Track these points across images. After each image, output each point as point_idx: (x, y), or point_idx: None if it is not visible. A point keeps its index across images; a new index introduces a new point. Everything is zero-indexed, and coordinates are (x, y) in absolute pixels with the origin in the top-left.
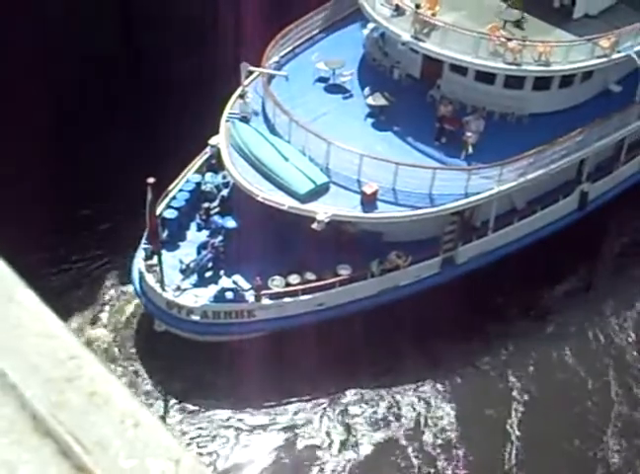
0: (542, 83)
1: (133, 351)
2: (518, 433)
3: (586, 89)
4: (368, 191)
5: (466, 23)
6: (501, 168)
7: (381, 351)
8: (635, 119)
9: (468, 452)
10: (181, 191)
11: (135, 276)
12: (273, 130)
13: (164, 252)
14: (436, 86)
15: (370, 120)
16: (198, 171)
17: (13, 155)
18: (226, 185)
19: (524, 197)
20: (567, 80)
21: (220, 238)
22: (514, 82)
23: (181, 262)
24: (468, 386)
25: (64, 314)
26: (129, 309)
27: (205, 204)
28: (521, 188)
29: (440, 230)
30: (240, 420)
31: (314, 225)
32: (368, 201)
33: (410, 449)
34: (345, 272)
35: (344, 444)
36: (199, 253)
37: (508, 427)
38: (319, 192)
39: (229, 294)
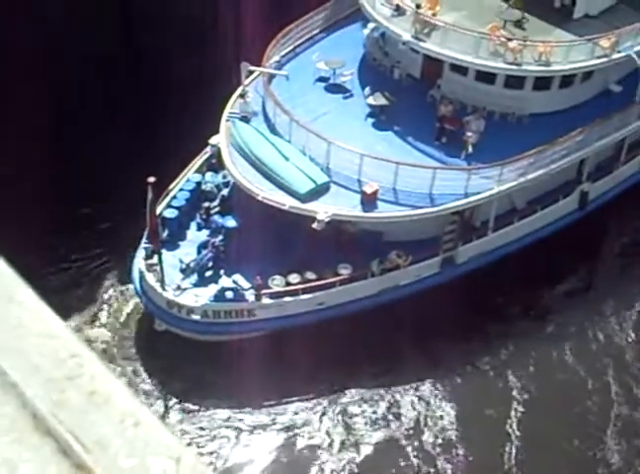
0: (543, 83)
1: (133, 350)
2: (517, 432)
3: (586, 89)
4: (369, 190)
5: (467, 23)
6: (501, 168)
7: (381, 350)
8: (635, 119)
9: (468, 452)
10: (181, 190)
11: (136, 275)
12: (273, 130)
13: (164, 251)
14: (436, 86)
15: (371, 120)
16: (198, 170)
17: (13, 155)
18: (226, 184)
19: (525, 196)
20: (567, 80)
21: (221, 237)
22: (514, 82)
23: (181, 261)
24: (468, 386)
25: (64, 314)
26: (130, 309)
27: (206, 204)
28: (522, 187)
29: (440, 230)
30: (240, 419)
31: (314, 225)
32: (369, 201)
33: (410, 449)
34: (345, 271)
35: (344, 444)
36: (199, 252)
37: (508, 426)
38: (319, 191)
39: (229, 294)
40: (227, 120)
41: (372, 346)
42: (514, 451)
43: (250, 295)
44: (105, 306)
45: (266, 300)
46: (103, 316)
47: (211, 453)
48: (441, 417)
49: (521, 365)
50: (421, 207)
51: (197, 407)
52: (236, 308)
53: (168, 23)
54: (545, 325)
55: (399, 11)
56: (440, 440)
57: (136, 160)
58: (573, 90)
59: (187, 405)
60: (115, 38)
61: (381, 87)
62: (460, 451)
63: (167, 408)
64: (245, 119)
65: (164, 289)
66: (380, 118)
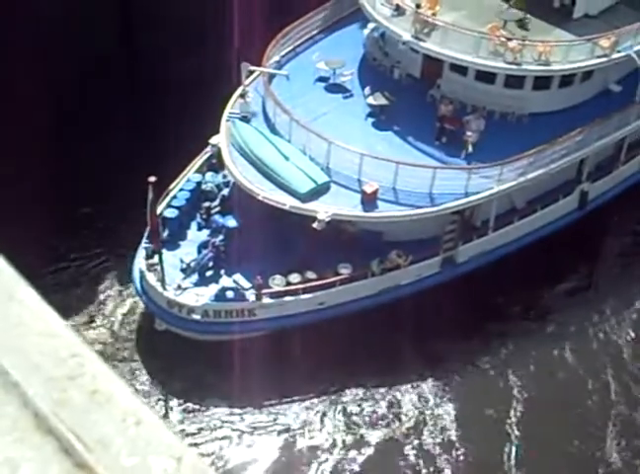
0: (542, 83)
1: (134, 350)
2: (517, 432)
3: (586, 89)
4: (369, 190)
5: (466, 22)
6: (501, 167)
7: (381, 350)
8: (635, 119)
9: (468, 452)
10: (181, 190)
11: (136, 275)
12: (273, 130)
13: (165, 251)
14: (436, 85)
15: (371, 120)
16: (198, 170)
17: (13, 155)
18: (227, 184)
19: (525, 196)
20: (567, 80)
21: (221, 237)
22: (514, 82)
23: (182, 261)
24: (468, 385)
25: (64, 313)
26: (130, 308)
27: (206, 204)
28: (522, 187)
29: (440, 229)
30: (240, 419)
31: (315, 224)
32: (369, 201)
33: (410, 448)
34: (345, 271)
35: (344, 444)
36: (199, 252)
37: (508, 426)
38: (320, 191)
39: (230, 293)
40: (227, 120)
41: (373, 345)
42: (513, 451)
43: (250, 295)
44: (105, 305)
45: (266, 300)
46: (103, 315)
47: (212, 453)
48: (442, 416)
49: (522, 365)
50: (421, 207)
51: (197, 407)
52: (237, 308)
53: (168, 23)
54: (545, 324)
55: (399, 11)
56: (440, 440)
57: (136, 160)
58: (573, 90)
59: (187, 405)
60: (114, 38)
61: (381, 87)
62: (460, 451)
63: (167, 408)
64: (245, 119)
65: (165, 289)
66: (380, 118)
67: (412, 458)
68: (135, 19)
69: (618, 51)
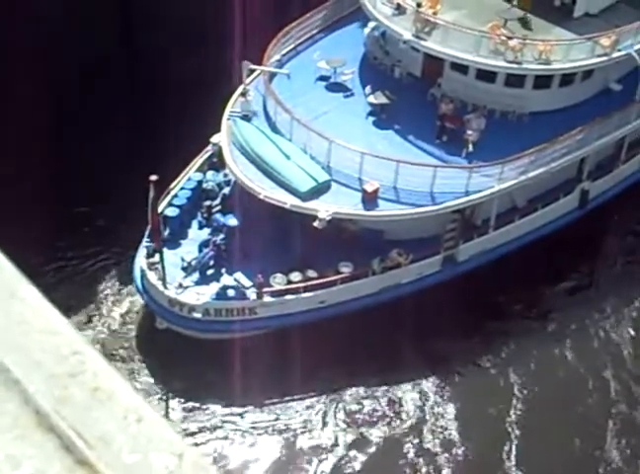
0: (543, 81)
1: (134, 348)
2: (518, 431)
3: (586, 87)
4: (370, 189)
5: (467, 21)
6: (502, 166)
7: (382, 348)
8: (635, 118)
9: (469, 450)
10: (182, 189)
11: (137, 273)
12: (274, 129)
13: (166, 250)
14: (436, 84)
15: (371, 119)
16: (199, 169)
17: (13, 155)
18: (228, 183)
19: (525, 195)
20: (567, 79)
21: (222, 236)
22: (514, 80)
23: (182, 259)
24: (469, 384)
25: (65, 312)
26: (131, 307)
27: (207, 203)
28: (522, 186)
29: (441, 228)
30: (241, 418)
31: (316, 223)
32: (370, 199)
33: (411, 447)
34: (346, 269)
35: (344, 442)
36: (200, 251)
37: (508, 425)
38: (320, 190)
39: (231, 292)
40: (228, 119)
41: (373, 344)
42: (514, 449)
43: (251, 294)
44: (106, 304)
45: (267, 298)
46: (104, 314)
47: (212, 452)
48: (442, 415)
49: (523, 364)
50: (422, 206)
51: (198, 405)
52: (238, 306)
53: (168, 23)
54: (546, 323)
55: (400, 10)
56: (440, 438)
57: (137, 160)
58: (573, 88)
59: (188, 403)
60: (114, 37)
61: (382, 86)
62: (461, 449)
63: (168, 406)
64: (246, 118)
65: (166, 288)
66: (381, 117)
67: (413, 457)
68: (135, 19)
69: (619, 50)
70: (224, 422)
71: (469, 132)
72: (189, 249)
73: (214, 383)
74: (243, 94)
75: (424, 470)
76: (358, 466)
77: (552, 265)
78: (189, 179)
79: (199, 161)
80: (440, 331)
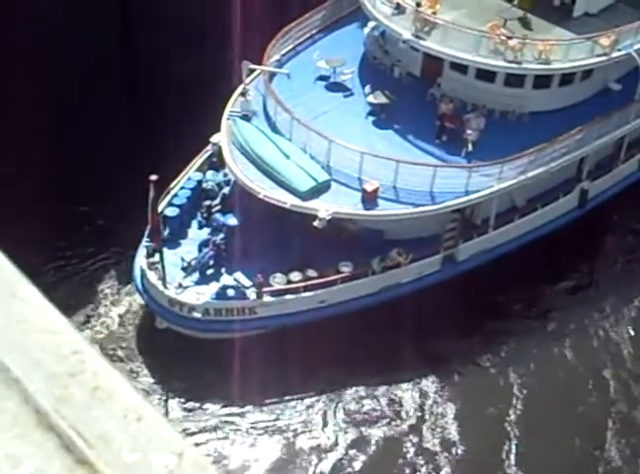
0: (542, 81)
1: (134, 348)
2: (517, 430)
3: (586, 87)
4: (369, 188)
5: (466, 21)
6: (501, 166)
7: (382, 348)
8: (635, 118)
9: (468, 450)
10: (182, 188)
11: (137, 273)
12: (274, 128)
13: (166, 249)
14: (436, 84)
15: (371, 119)
16: (199, 169)
17: (13, 155)
18: (227, 182)
19: (525, 194)
20: (567, 78)
21: (222, 236)
22: (514, 80)
23: (182, 259)
24: (469, 383)
25: (65, 311)
26: (131, 307)
27: (207, 202)
28: (522, 185)
29: (440, 228)
30: (241, 417)
31: (316, 223)
32: (369, 199)
33: (410, 447)
34: (346, 269)
35: (344, 442)
36: (200, 250)
37: (508, 424)
38: (320, 189)
39: (231, 292)
40: (228, 119)
41: (373, 344)
42: (514, 449)
43: (251, 293)
44: (106, 304)
45: (267, 298)
46: (104, 314)
47: (212, 451)
48: (442, 414)
49: (522, 363)
50: (421, 205)
51: (198, 405)
52: (237, 306)
53: (168, 23)
54: (546, 323)
55: (399, 9)
56: (440, 438)
57: (136, 160)
58: (573, 88)
59: (187, 403)
60: (114, 38)
61: (382, 85)
62: (461, 449)
63: (167, 406)
64: (246, 118)
65: (165, 287)
66: (381, 117)
67: (412, 456)
68: (135, 19)
69: (618, 50)
70: (224, 421)
71: (469, 132)
72: (188, 249)
73: (214, 383)
74: (243, 94)
75: (424, 469)
76: (358, 466)
77: (552, 264)
78: (188, 178)
79: (198, 161)
80: (439, 330)
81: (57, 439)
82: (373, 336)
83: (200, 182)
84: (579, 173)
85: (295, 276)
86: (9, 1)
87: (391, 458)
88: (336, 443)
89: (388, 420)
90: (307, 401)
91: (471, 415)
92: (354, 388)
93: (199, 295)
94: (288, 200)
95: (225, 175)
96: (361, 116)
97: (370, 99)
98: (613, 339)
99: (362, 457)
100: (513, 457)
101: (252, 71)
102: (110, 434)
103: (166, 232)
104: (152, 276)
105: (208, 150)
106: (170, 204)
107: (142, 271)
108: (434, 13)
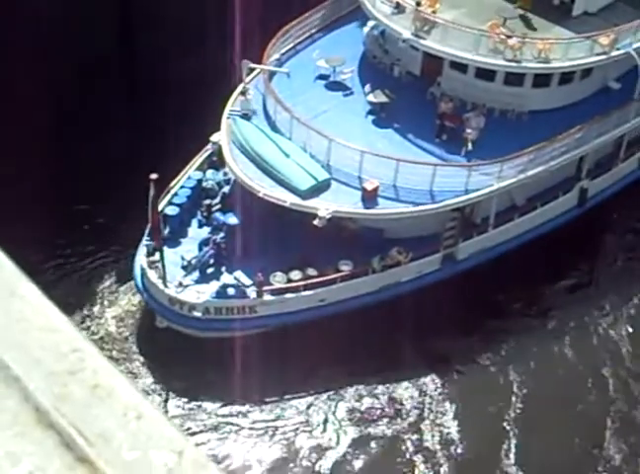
0: (542, 80)
1: (134, 347)
2: (517, 428)
3: (585, 86)
4: (369, 187)
5: (466, 20)
6: (501, 165)
7: (382, 347)
8: (634, 116)
9: (468, 448)
10: (182, 187)
11: (137, 272)
12: (274, 127)
13: (166, 248)
14: (436, 83)
15: (371, 118)
16: (199, 168)
17: (13, 155)
18: (227, 181)
19: (524, 193)
20: (566, 77)
21: (222, 235)
22: (514, 79)
23: (182, 258)
24: (469, 382)
25: (65, 310)
26: (131, 306)
27: (207, 201)
28: (521, 184)
29: (440, 226)
30: (241, 416)
31: (316, 221)
32: (369, 198)
33: (410, 445)
34: (346, 268)
35: (344, 440)
36: (200, 249)
37: (508, 422)
38: (320, 188)
39: (231, 290)
40: (228, 118)
41: (373, 342)
42: (513, 447)
43: (251, 292)
44: (106, 303)
45: (267, 297)
46: (104, 313)
47: (212, 451)
48: (442, 413)
49: (522, 362)
50: (421, 204)
51: (198, 404)
52: (238, 305)
53: (168, 22)
54: (546, 321)
55: (399, 9)
56: (440, 436)
57: (137, 159)
58: (572, 87)
59: (188, 402)
60: (114, 38)
61: (381, 84)
62: (460, 447)
63: (167, 405)
64: (246, 117)
65: (166, 286)
66: (380, 116)
67: (412, 455)
68: (135, 19)
69: (617, 49)
70: (224, 421)
71: (468, 131)
72: (189, 247)
73: (214, 382)
74: (243, 93)
75: (424, 468)
76: (358, 464)
77: (551, 263)
78: (189, 177)
79: (198, 160)
80: (439, 329)
81: (57, 437)
82: (373, 334)
83: (200, 181)
84: (578, 172)
85: (295, 274)
86: (9, 1)
87: (391, 457)
88: (336, 442)
89: (388, 418)
90: (307, 400)
91: (471, 413)
92: (354, 387)
93: (199, 294)
94: (288, 199)
95: (225, 174)
96: (361, 115)
97: (370, 98)
98: (613, 337)
99: (363, 456)
100: (512, 455)
101: (252, 70)
102: (109, 431)
103: (166, 231)
104: (152, 275)
105: (208, 149)
106: (170, 203)
107: (142, 269)
108: (433, 12)
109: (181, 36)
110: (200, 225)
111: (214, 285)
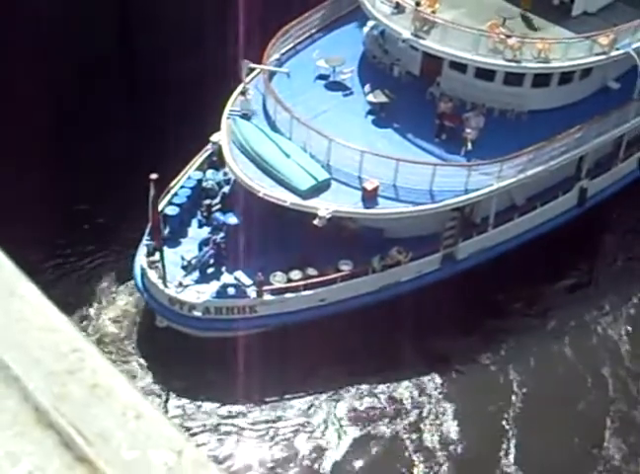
0: (541, 80)
1: (134, 347)
2: (517, 428)
3: (585, 86)
4: (369, 187)
5: (466, 20)
6: (501, 164)
7: (382, 346)
8: (633, 116)
9: (468, 447)
10: (182, 187)
11: (137, 272)
12: (274, 127)
13: (166, 248)
14: (435, 83)
15: (371, 117)
16: (199, 168)
17: (13, 155)
18: (227, 181)
19: (524, 193)
20: (566, 77)
21: (222, 234)
22: (513, 79)
23: (182, 258)
24: (469, 382)
25: (65, 310)
26: (131, 305)
27: (207, 201)
28: (521, 184)
29: (440, 226)
30: (241, 416)
31: (316, 221)
32: (369, 198)
33: (410, 445)
34: (346, 267)
35: (344, 440)
36: (200, 249)
37: (508, 422)
38: (320, 188)
39: (231, 290)
40: (228, 118)
41: (373, 342)
42: (513, 446)
43: (251, 292)
44: (106, 303)
45: (267, 297)
46: (103, 312)
47: (212, 450)
48: (442, 412)
49: (522, 361)
50: (421, 204)
51: (198, 404)
52: (238, 305)
53: (168, 23)
54: (545, 321)
55: (399, 9)
56: (440, 436)
57: (137, 159)
58: (572, 87)
59: (187, 402)
60: (114, 38)
61: (381, 84)
62: (460, 447)
63: (167, 405)
64: (246, 117)
65: (166, 286)
66: (380, 116)
67: (412, 454)
68: (135, 19)
69: (617, 49)
70: (224, 421)
71: (468, 131)
72: (189, 247)
73: (215, 382)
74: (243, 93)
75: (424, 468)
76: (358, 464)
77: (551, 262)
78: (189, 177)
79: (198, 160)
80: (439, 329)
81: (57, 437)
82: (373, 334)
83: (200, 181)
84: (578, 171)
85: (295, 274)
86: (9, 1)
87: (391, 456)
88: (336, 442)
89: (388, 418)
90: (307, 400)
91: (471, 413)
92: (354, 386)
93: (199, 294)
94: (288, 199)
95: (225, 174)
96: (361, 114)
97: (370, 98)
98: (612, 337)
99: (363, 455)
100: (512, 455)
101: (252, 70)
102: (109, 431)
103: (166, 231)
104: (152, 275)
105: (208, 149)
106: (170, 203)
107: (143, 269)
108: (433, 12)
109: (181, 36)
110: (201, 225)
111: (214, 285)
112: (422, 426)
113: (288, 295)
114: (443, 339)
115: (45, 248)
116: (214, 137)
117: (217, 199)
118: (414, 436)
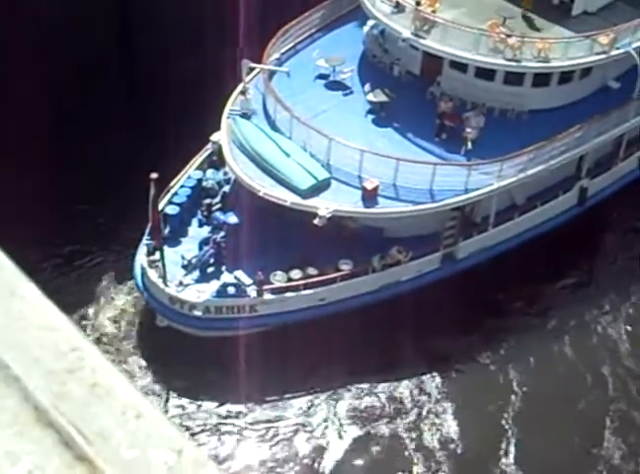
0: (542, 79)
1: (134, 346)
2: (517, 427)
3: (585, 85)
4: (369, 186)
5: (466, 20)
6: (501, 164)
7: (382, 346)
8: (634, 116)
9: (468, 447)
10: (182, 187)
11: (138, 271)
12: (274, 127)
13: (166, 247)
14: (436, 83)
15: (371, 117)
16: (199, 167)
17: (13, 155)
18: (228, 181)
19: (524, 192)
20: (566, 76)
21: (222, 234)
22: (513, 78)
23: (183, 257)
24: (469, 381)
25: (65, 310)
26: (131, 305)
27: (207, 201)
28: (521, 183)
29: (440, 226)
30: (241, 415)
31: (316, 221)
32: (369, 197)
33: (410, 444)
34: (346, 267)
35: (344, 440)
36: (200, 249)
37: (508, 421)
38: (320, 187)
39: (231, 289)
40: (228, 117)
41: (373, 341)
42: (513, 446)
43: (252, 291)
44: (106, 302)
45: (267, 296)
46: (104, 312)
47: (212, 450)
48: (442, 412)
49: (522, 361)
50: (421, 203)
51: (198, 403)
52: (238, 304)
53: (168, 22)
54: (545, 320)
55: (399, 8)
56: (440, 435)
57: (137, 159)
58: (572, 86)
59: (188, 401)
60: (114, 38)
61: (381, 84)
62: (460, 446)
63: (167, 404)
64: (246, 116)
65: (166, 285)
66: (380, 115)
67: (412, 454)
68: (135, 19)
69: (617, 48)
70: (224, 420)
71: (468, 130)
72: (189, 247)
73: (215, 381)
74: (243, 92)
75: (424, 467)
76: (358, 463)
77: (551, 262)
78: (189, 177)
79: (198, 159)
80: (439, 328)
81: (56, 436)
82: (373, 333)
83: (200, 180)
84: (578, 171)
85: (296, 273)
86: (9, 1)
87: (391, 455)
88: (336, 441)
89: (388, 417)
90: (307, 399)
91: (471, 412)
92: (354, 386)
93: (199, 293)
94: (289, 198)
95: (225, 173)
96: (361, 114)
97: (370, 97)
98: (613, 336)
99: (363, 455)
100: (512, 454)
101: (252, 70)
102: (108, 430)
103: (166, 230)
104: (153, 274)
105: (208, 149)
106: (170, 203)
107: (143, 269)
108: (433, 11)
109: (181, 35)
110: (201, 224)
111: (215, 284)
112: (422, 425)
113: (288, 295)
114: (444, 338)
115: (45, 248)
116: (214, 137)
117: (217, 199)
118: (414, 436)
